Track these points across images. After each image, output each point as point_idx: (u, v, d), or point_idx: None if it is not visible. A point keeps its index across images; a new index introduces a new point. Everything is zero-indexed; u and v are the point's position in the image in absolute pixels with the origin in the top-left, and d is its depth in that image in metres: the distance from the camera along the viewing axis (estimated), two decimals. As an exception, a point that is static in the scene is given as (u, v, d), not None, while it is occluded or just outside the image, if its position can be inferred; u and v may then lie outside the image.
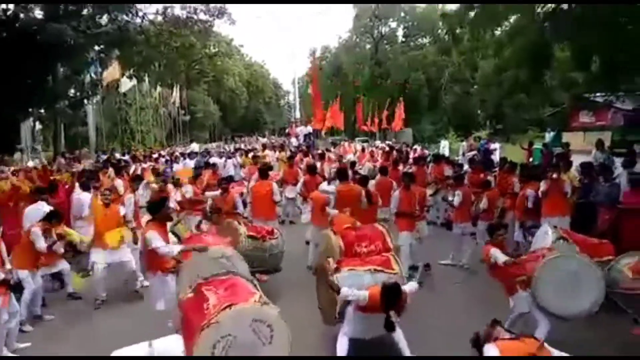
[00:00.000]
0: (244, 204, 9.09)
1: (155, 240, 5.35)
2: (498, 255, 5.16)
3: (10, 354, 5.43)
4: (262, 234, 7.01)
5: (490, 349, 3.14)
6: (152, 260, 5.60)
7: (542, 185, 7.75)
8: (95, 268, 7.08)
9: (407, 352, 4.69)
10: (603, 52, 11.13)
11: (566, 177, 8.10)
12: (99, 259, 7.06)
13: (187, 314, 3.79)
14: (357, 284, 4.65)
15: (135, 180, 9.26)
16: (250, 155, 17.58)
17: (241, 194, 9.53)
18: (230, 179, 9.86)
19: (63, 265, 7.11)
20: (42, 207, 7.37)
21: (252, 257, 6.28)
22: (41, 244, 6.16)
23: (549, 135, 20.95)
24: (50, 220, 6.47)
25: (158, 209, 5.73)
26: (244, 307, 3.46)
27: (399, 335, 4.72)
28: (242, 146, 28.51)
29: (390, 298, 4.35)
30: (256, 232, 7.01)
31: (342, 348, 4.70)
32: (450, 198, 8.92)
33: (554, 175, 7.73)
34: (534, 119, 28.94)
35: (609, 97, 15.41)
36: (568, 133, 19.57)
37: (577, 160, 10.29)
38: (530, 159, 15.98)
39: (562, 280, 4.72)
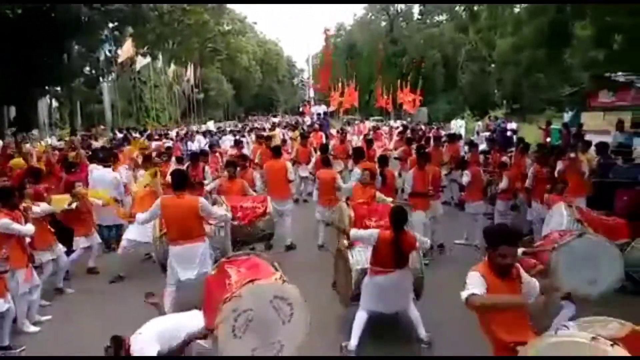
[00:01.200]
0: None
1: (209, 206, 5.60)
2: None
3: (31, 327, 5.60)
4: (247, 219, 6.65)
5: None
6: (200, 225, 5.49)
7: (559, 165, 7.65)
8: (121, 245, 7.12)
9: (422, 331, 4.78)
10: (625, 30, 10.83)
11: (584, 157, 7.98)
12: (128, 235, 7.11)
13: (209, 290, 3.84)
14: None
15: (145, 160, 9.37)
16: (254, 135, 17.48)
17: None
18: (245, 158, 9.91)
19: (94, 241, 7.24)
20: (107, 174, 8.27)
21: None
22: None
23: (567, 115, 20.55)
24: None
25: (185, 181, 5.63)
26: (266, 282, 3.49)
27: (415, 316, 4.82)
28: (257, 125, 28.55)
29: (399, 217, 4.60)
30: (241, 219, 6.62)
31: (359, 322, 4.74)
32: (461, 178, 8.84)
33: (572, 155, 7.63)
34: (551, 98, 28.34)
35: (630, 77, 15.05)
36: (587, 113, 19.19)
37: (595, 140, 10.12)
38: (548, 139, 15.74)
39: (580, 262, 4.53)
